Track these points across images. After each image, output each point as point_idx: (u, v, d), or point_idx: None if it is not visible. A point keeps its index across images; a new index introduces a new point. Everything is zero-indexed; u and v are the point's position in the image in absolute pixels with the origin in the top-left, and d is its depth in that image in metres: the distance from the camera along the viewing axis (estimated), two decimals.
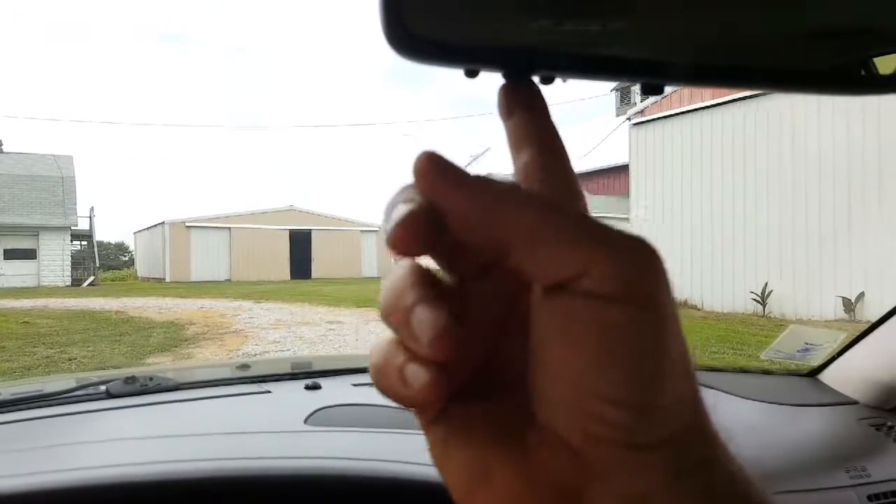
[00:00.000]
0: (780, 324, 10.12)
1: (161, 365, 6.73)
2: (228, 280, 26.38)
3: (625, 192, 16.92)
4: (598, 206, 23.37)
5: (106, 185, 65.57)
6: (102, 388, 1.00)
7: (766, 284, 10.95)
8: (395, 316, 0.21)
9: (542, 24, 0.29)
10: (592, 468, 0.20)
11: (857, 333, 1.48)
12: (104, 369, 6.54)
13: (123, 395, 1.00)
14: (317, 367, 1.27)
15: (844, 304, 9.29)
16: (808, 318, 10.22)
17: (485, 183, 0.22)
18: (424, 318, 0.20)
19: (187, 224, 27.29)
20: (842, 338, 1.46)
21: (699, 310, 12.19)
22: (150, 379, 1.08)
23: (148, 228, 30.71)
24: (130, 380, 1.04)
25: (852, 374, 1.47)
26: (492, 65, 0.30)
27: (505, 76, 0.30)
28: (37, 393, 1.00)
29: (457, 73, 0.30)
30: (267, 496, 0.72)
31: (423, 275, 0.22)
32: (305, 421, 0.89)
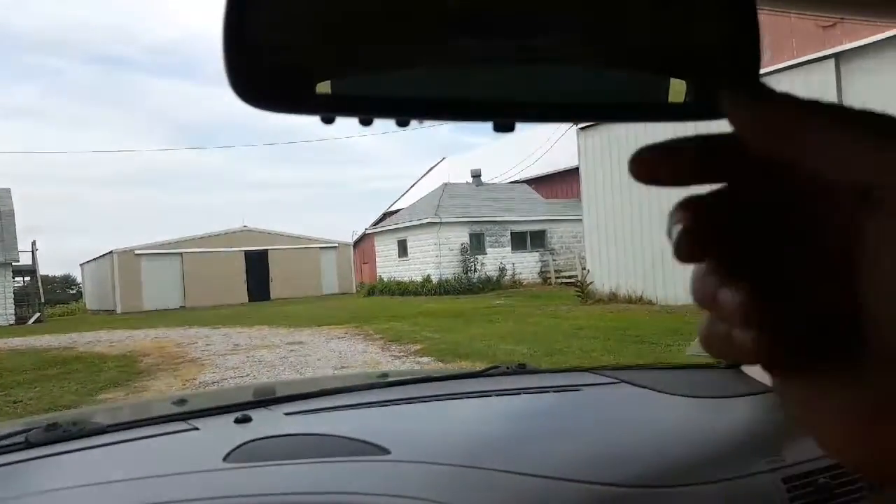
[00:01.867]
0: None
1: (109, 402, 6.53)
2: (183, 307, 25.70)
3: (578, 196, 17.24)
4: (553, 210, 23.75)
5: (48, 217, 63.26)
6: (21, 438, 0.98)
7: None
8: (706, 302, 0.24)
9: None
10: None
11: None
12: (53, 410, 6.30)
13: (45, 443, 0.98)
14: (250, 397, 1.26)
15: None
16: None
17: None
18: (728, 300, 0.23)
19: (137, 252, 26.52)
20: None
21: (654, 304, 12.50)
22: (74, 424, 1.06)
23: (95, 259, 29.72)
24: (52, 426, 1.02)
25: None
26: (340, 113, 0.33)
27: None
28: None
29: None
30: None
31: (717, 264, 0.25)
32: (226, 458, 0.89)
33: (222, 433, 1.05)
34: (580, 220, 16.18)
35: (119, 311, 25.04)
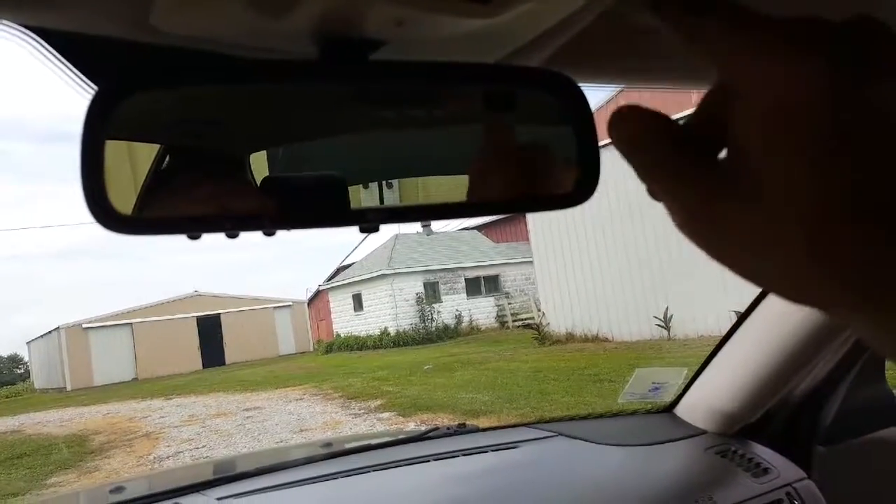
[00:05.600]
0: (685, 344, 10.68)
1: (56, 490, 6.21)
2: (135, 379, 24.69)
3: (527, 238, 17.53)
4: (505, 254, 24.03)
5: None
6: None
7: (667, 309, 11.54)
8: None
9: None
10: None
11: (702, 362, 1.62)
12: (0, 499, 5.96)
13: None
14: (182, 482, 1.25)
15: (738, 317, 9.90)
16: (709, 335, 10.77)
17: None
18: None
19: (84, 326, 25.53)
20: (685, 372, 1.61)
21: (610, 341, 12.68)
22: None
23: (42, 336, 28.43)
24: None
25: (699, 404, 1.60)
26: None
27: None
28: None
29: None
30: None
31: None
32: None
33: None
34: (532, 262, 16.42)
35: (69, 388, 23.87)
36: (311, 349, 27.75)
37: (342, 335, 23.68)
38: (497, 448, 1.55)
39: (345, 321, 24.04)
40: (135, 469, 6.70)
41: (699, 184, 0.28)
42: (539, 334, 14.26)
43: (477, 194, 0.43)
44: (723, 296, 10.28)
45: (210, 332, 27.42)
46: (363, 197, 0.48)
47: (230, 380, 16.38)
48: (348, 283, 23.88)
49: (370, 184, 0.48)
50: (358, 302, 23.35)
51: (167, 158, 0.42)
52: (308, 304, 30.68)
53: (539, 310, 15.42)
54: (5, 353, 41.41)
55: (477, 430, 1.78)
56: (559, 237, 14.22)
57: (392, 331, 21.10)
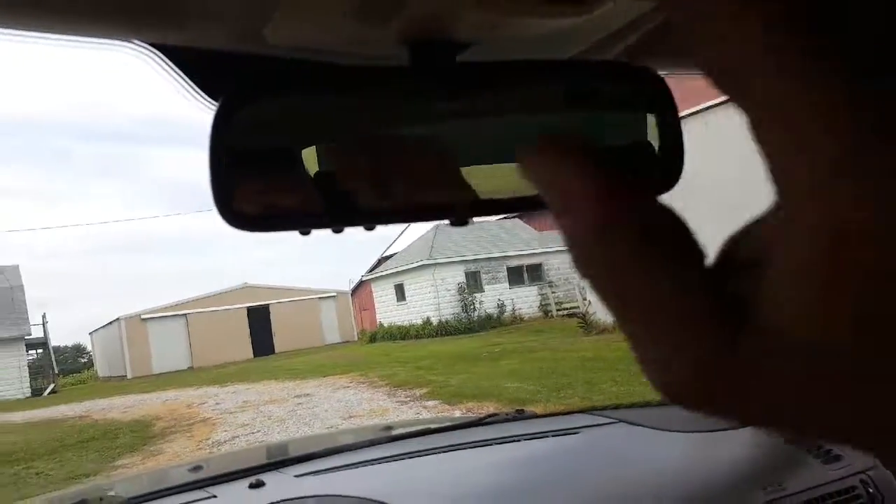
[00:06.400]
0: None
1: (126, 468, 6.53)
2: (191, 368, 25.59)
3: None
4: (548, 242, 23.78)
5: (56, 289, 63.47)
6: None
7: None
8: None
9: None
10: None
11: None
12: (74, 479, 6.32)
13: None
14: (261, 461, 1.32)
15: None
16: None
17: None
18: None
19: (142, 317, 26.57)
20: None
21: None
22: (101, 500, 1.12)
23: (104, 327, 29.71)
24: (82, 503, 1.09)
25: None
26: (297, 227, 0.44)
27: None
28: None
29: None
30: None
31: None
32: None
33: (238, 500, 1.12)
34: None
35: (129, 376, 24.96)
36: (356, 339, 28.20)
37: (385, 325, 23.96)
38: (557, 433, 1.57)
39: (388, 311, 24.31)
40: (195, 452, 6.96)
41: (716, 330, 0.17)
42: (585, 323, 14.11)
43: None
44: None
45: (259, 322, 28.19)
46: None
47: (280, 368, 16.81)
48: (390, 274, 24.11)
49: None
50: (400, 292, 23.54)
51: (280, 161, 0.46)
52: (351, 294, 31.16)
53: (584, 298, 15.24)
54: (69, 342, 43.45)
55: (535, 416, 1.81)
56: None
57: (434, 320, 21.21)
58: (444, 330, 20.43)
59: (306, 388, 11.17)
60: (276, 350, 27.43)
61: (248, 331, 27.97)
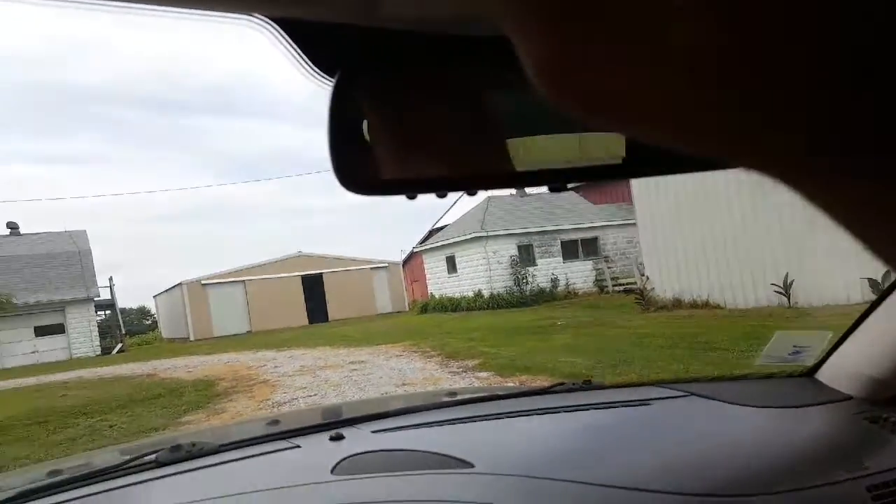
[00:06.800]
0: (807, 312, 10.05)
1: (199, 425, 6.86)
2: (249, 332, 26.58)
3: (630, 199, 16.90)
4: (605, 216, 23.33)
5: (121, 254, 66.73)
6: (152, 457, 1.12)
7: (787, 274, 10.82)
8: None
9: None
10: None
11: (848, 327, 1.55)
12: (144, 432, 6.68)
13: (172, 462, 1.12)
14: (338, 416, 1.37)
15: (871, 286, 8.98)
16: (834, 303, 10.04)
17: None
18: None
19: (203, 283, 27.64)
20: (829, 336, 1.54)
21: (722, 308, 12.13)
22: (193, 445, 1.19)
23: (167, 291, 31.10)
24: (176, 448, 1.15)
25: (845, 370, 1.53)
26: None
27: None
28: (103, 466, 1.13)
29: None
30: None
31: None
32: (332, 471, 1.00)
33: (322, 450, 1.16)
34: (634, 224, 15.81)
35: (192, 338, 26.14)
36: (407, 309, 28.61)
37: (437, 296, 24.14)
38: (628, 404, 1.56)
39: (439, 283, 24.47)
40: (257, 412, 7.24)
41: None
42: (642, 299, 13.85)
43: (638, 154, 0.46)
44: (851, 262, 9.27)
45: (314, 289, 28.94)
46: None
47: (334, 335, 17.24)
48: (442, 246, 24.18)
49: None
50: (451, 264, 23.63)
51: (399, 126, 0.48)
52: (403, 265, 31.52)
53: (642, 274, 14.95)
54: (134, 305, 45.70)
55: (602, 386, 1.80)
56: (665, 198, 13.56)
57: (486, 293, 21.23)
58: (495, 303, 20.42)
59: (360, 356, 11.42)
60: (330, 318, 28.14)
61: (302, 298, 28.77)
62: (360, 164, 0.44)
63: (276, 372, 10.55)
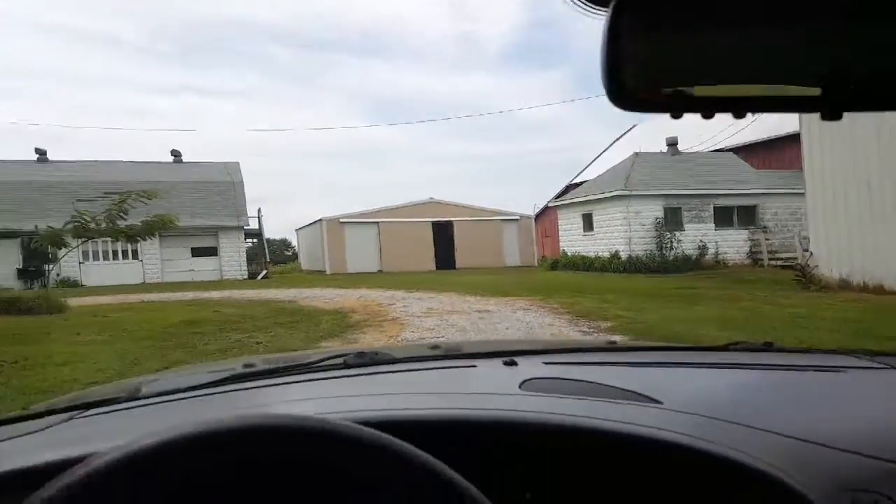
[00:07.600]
0: None
1: (328, 348, 7.35)
2: (380, 271, 27.91)
3: (797, 166, 15.42)
4: (767, 182, 21.45)
5: (267, 188, 72.12)
6: (341, 360, 1.20)
7: None
8: None
9: None
10: None
11: None
12: (285, 351, 7.27)
13: (357, 365, 1.19)
14: (507, 348, 1.38)
15: None
16: None
17: None
18: None
19: (341, 220, 29.25)
20: None
21: None
22: (376, 353, 1.26)
23: (308, 225, 33.29)
24: (361, 354, 1.23)
25: None
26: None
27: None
28: (302, 361, 1.23)
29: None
30: (502, 443, 0.83)
31: None
32: (520, 386, 1.00)
33: (500, 370, 1.18)
34: (801, 194, 14.39)
35: (328, 271, 27.97)
36: (535, 264, 28.52)
37: (568, 254, 23.76)
38: (817, 368, 1.44)
39: (572, 240, 24.00)
40: (387, 345, 7.62)
41: None
42: (803, 277, 12.73)
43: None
44: None
45: (443, 236, 29.66)
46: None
47: (461, 282, 17.61)
48: (579, 202, 23.55)
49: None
50: (588, 222, 23.01)
51: (669, 47, 0.51)
52: (535, 219, 31.28)
53: (805, 249, 13.69)
54: (277, 236, 49.42)
55: (786, 349, 1.67)
56: (842, 166, 12.12)
57: (623, 255, 20.52)
58: (633, 266, 19.70)
59: (487, 305, 11.58)
60: (457, 265, 28.80)
61: (432, 243, 29.62)
62: (630, 85, 0.50)
63: (406, 311, 10.99)
